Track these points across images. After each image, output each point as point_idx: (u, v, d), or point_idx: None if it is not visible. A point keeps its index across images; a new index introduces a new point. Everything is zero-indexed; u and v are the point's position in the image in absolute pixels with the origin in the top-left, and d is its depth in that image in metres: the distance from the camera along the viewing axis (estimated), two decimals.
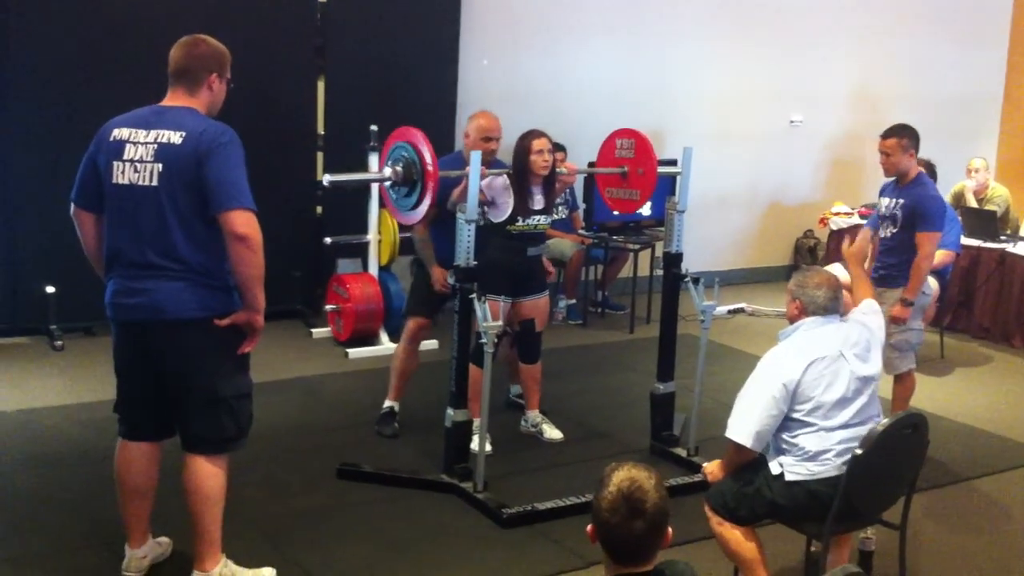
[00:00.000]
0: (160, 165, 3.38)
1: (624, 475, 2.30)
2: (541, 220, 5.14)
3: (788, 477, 3.54)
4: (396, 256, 7.27)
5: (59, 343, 6.67)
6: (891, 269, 5.31)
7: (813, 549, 3.93)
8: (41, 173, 6.70)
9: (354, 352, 6.83)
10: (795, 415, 3.54)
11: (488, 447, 4.83)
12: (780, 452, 3.60)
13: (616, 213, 7.14)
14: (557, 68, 8.53)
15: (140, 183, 3.41)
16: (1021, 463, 5.48)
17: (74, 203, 3.61)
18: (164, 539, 3.95)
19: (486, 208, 4.87)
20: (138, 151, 3.42)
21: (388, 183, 4.61)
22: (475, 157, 4.52)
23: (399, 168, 4.52)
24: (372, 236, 7.12)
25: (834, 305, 3.67)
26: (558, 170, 5.28)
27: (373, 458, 5.00)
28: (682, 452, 5.16)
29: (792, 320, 3.72)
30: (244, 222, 3.35)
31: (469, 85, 8.05)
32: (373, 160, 6.93)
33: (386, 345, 6.89)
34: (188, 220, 3.40)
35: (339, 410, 5.82)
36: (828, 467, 3.51)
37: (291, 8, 7.30)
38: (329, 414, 5.75)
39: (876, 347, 3.74)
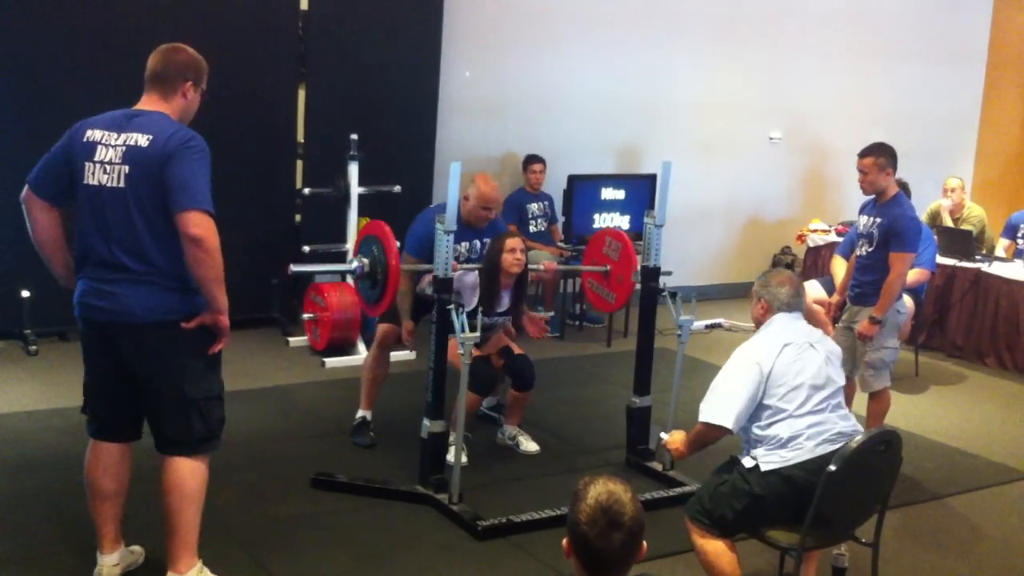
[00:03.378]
0: (127, 167, 3.42)
1: (601, 488, 2.30)
2: (499, 320, 5.22)
3: (763, 467, 3.59)
4: None
5: (33, 347, 6.62)
6: (866, 287, 5.34)
7: (786, 571, 3.94)
8: (15, 177, 6.62)
9: (331, 361, 6.82)
10: (768, 401, 3.62)
11: (464, 458, 4.83)
12: (752, 445, 3.66)
13: (597, 227, 7.20)
14: (539, 79, 8.56)
15: (109, 184, 3.44)
16: (994, 481, 5.52)
17: (29, 186, 3.62)
18: (136, 548, 3.93)
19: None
20: (108, 153, 3.46)
21: (356, 275, 4.68)
22: (454, 168, 4.52)
23: (366, 261, 4.60)
24: (351, 245, 7.11)
25: (797, 302, 3.85)
26: (534, 266, 5.37)
27: (348, 467, 4.99)
28: (658, 466, 5.16)
29: (759, 321, 3.88)
30: (197, 223, 3.35)
31: (450, 95, 8.07)
32: (352, 169, 6.93)
33: (363, 355, 6.86)
34: (154, 222, 3.42)
35: (315, 419, 5.80)
36: (801, 451, 3.58)
37: (273, 16, 7.29)
38: (305, 423, 5.73)
39: (840, 366, 3.88)
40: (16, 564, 3.95)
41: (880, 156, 5.27)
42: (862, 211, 5.51)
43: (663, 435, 4.04)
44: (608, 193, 8.21)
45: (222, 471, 4.43)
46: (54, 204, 3.62)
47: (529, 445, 5.41)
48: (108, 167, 3.45)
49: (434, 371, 4.65)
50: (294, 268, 4.72)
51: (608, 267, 5.38)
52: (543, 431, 5.63)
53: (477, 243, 5.24)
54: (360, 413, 5.46)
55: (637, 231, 7.58)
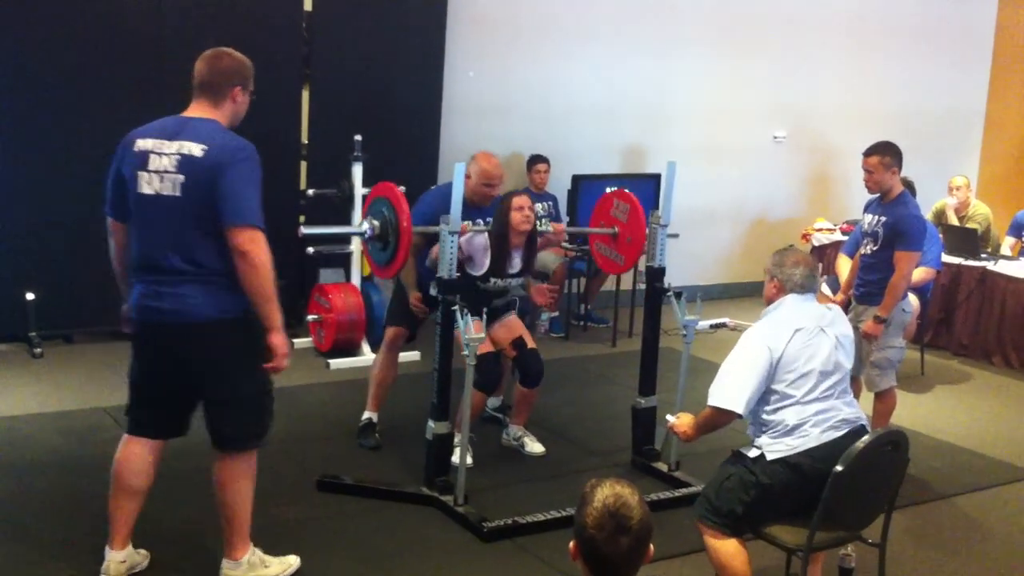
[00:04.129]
0: (183, 176, 3.49)
1: (608, 491, 2.29)
2: (513, 282, 5.17)
3: (769, 456, 3.58)
4: None
5: (38, 350, 6.63)
6: (871, 286, 5.33)
7: (793, 572, 3.93)
8: (21, 180, 6.67)
9: (336, 363, 6.81)
10: (776, 386, 3.61)
11: (469, 460, 4.83)
12: (757, 433, 3.66)
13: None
14: (543, 80, 8.55)
15: (165, 193, 3.52)
16: (1001, 481, 5.51)
17: (110, 215, 3.72)
18: (143, 551, 3.93)
19: (463, 262, 4.87)
20: (162, 162, 3.52)
21: (365, 237, 4.64)
22: (458, 169, 4.53)
23: (376, 223, 4.56)
24: (355, 247, 7.11)
25: (811, 283, 3.83)
26: (543, 229, 5.32)
27: (354, 469, 4.99)
28: (663, 467, 5.16)
29: (770, 300, 3.86)
30: (245, 239, 3.46)
31: (454, 95, 8.06)
32: (356, 170, 6.92)
33: (368, 356, 6.87)
34: (209, 229, 3.50)
35: (320, 421, 5.80)
36: (807, 439, 3.57)
37: (276, 17, 7.28)
38: (310, 425, 5.72)
39: (851, 348, 3.86)
40: (21, 566, 3.95)
41: (886, 155, 5.26)
42: (867, 210, 5.50)
43: (670, 417, 3.97)
44: None
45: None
46: (126, 222, 3.69)
47: (534, 446, 5.40)
48: (164, 176, 3.51)
49: (439, 373, 4.65)
50: (304, 230, 4.72)
51: (616, 229, 5.34)
52: (548, 432, 5.62)
53: (480, 222, 5.15)
54: (367, 415, 5.45)
55: None
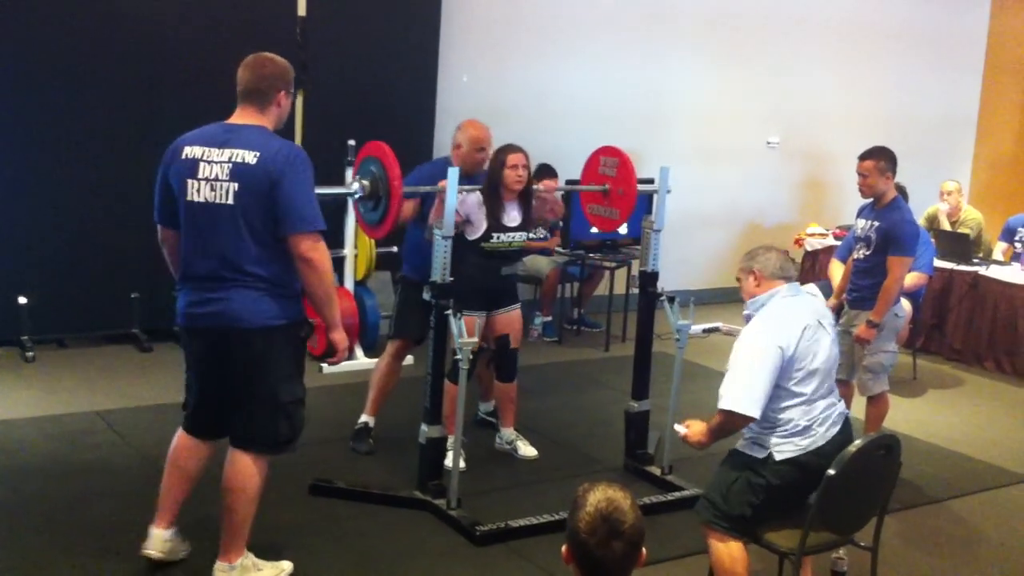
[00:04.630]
0: (236, 184, 3.54)
1: (601, 495, 2.29)
2: (517, 237, 5.07)
3: (778, 456, 3.56)
4: (372, 271, 7.26)
5: (31, 354, 6.61)
6: (864, 291, 5.34)
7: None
8: (14, 183, 6.66)
9: (328, 367, 6.79)
10: (784, 383, 3.57)
11: (462, 464, 4.83)
12: (763, 432, 3.61)
13: (594, 230, 7.19)
14: (538, 85, 8.55)
15: (216, 201, 3.56)
16: (993, 485, 5.52)
17: (159, 223, 3.80)
18: (188, 542, 4.00)
19: (462, 228, 4.86)
20: (213, 170, 3.57)
21: (356, 197, 4.59)
22: (452, 174, 4.50)
23: (366, 183, 4.52)
24: (348, 251, 7.10)
25: (788, 267, 3.79)
26: (535, 187, 5.25)
27: (346, 474, 4.98)
28: (656, 471, 5.16)
29: (752, 295, 3.79)
30: (309, 246, 3.58)
31: (448, 101, 8.06)
32: (350, 175, 6.91)
33: (361, 360, 6.86)
34: (261, 235, 3.58)
35: (312, 425, 5.71)
36: (815, 437, 3.58)
37: (271, 22, 7.27)
38: (302, 429, 5.70)
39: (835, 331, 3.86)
40: (12, 572, 3.93)
41: (881, 159, 5.27)
42: (860, 215, 5.52)
43: (679, 427, 3.83)
44: None
45: (219, 477, 4.42)
46: (177, 229, 3.74)
47: (527, 450, 5.40)
48: (215, 184, 3.56)
49: (432, 377, 4.64)
50: None
51: (607, 185, 5.28)
52: (541, 436, 5.62)
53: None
54: (363, 418, 5.44)
55: (635, 236, 7.59)
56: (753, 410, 3.54)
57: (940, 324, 8.19)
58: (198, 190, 3.58)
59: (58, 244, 6.78)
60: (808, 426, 3.59)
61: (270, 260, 3.60)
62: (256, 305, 3.62)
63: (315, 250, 3.60)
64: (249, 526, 3.83)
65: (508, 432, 5.46)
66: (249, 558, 3.86)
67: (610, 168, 5.27)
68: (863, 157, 5.34)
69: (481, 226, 4.95)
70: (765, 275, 3.76)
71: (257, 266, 3.59)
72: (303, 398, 3.87)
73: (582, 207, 5.63)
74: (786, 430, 3.59)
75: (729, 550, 3.60)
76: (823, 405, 3.62)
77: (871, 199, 5.40)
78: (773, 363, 3.55)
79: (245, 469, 3.76)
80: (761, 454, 3.61)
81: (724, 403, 3.59)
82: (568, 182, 8.15)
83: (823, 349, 3.65)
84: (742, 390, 3.55)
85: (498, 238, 4.98)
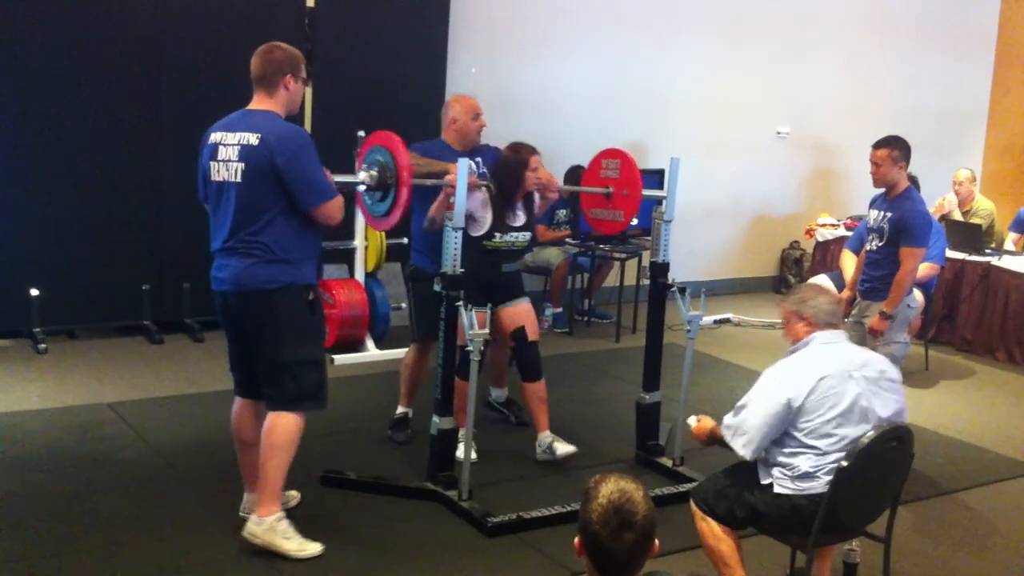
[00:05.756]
0: (243, 164, 3.89)
1: (613, 487, 2.29)
2: (519, 237, 5.06)
3: (776, 489, 3.53)
4: (382, 263, 7.25)
5: (42, 346, 6.63)
6: (876, 282, 5.32)
7: (797, 566, 3.92)
8: (24, 176, 6.67)
9: (339, 358, 6.81)
10: (796, 433, 3.51)
11: (473, 455, 4.82)
12: (772, 466, 3.57)
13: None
14: (545, 76, 8.54)
15: (230, 179, 3.92)
16: (1005, 475, 5.50)
17: (201, 202, 4.16)
18: (294, 492, 4.46)
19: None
20: (227, 152, 3.92)
21: (362, 188, 4.51)
22: (462, 165, 4.49)
23: (374, 173, 4.46)
24: (359, 242, 7.10)
25: (837, 312, 3.74)
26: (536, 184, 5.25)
27: (357, 465, 4.98)
28: (667, 462, 5.15)
29: (798, 339, 3.69)
30: (330, 213, 3.99)
31: (457, 91, 8.00)
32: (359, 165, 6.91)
33: (372, 352, 6.87)
34: (266, 208, 3.90)
35: (323, 416, 5.74)
36: (816, 484, 3.49)
37: (279, 13, 7.27)
38: (313, 420, 5.64)
39: (892, 387, 3.68)
40: (21, 562, 3.94)
41: (895, 148, 5.24)
42: (872, 205, 5.49)
43: (692, 419, 3.90)
44: None
45: (229, 468, 4.45)
46: None
47: (564, 448, 5.15)
48: (229, 164, 3.91)
49: (443, 368, 4.64)
50: None
51: (610, 188, 5.24)
52: (552, 428, 5.57)
53: (472, 165, 4.87)
54: (401, 409, 5.44)
55: (645, 227, 7.57)
56: (746, 453, 3.55)
57: (952, 315, 8.16)
58: (217, 171, 3.94)
59: (69, 236, 6.79)
60: (812, 473, 3.50)
61: (274, 230, 3.91)
62: (254, 270, 3.92)
63: (335, 214, 4.01)
64: (276, 484, 4.02)
65: (544, 436, 5.20)
66: (283, 522, 4.04)
67: (612, 170, 5.25)
68: (877, 146, 5.31)
69: (485, 224, 4.93)
70: (819, 322, 3.66)
71: (259, 235, 3.91)
72: (314, 360, 4.11)
73: (585, 213, 5.59)
74: (789, 474, 3.53)
75: (712, 529, 3.61)
76: (836, 457, 3.47)
77: (883, 189, 5.37)
78: (776, 411, 3.49)
79: (270, 422, 4.02)
80: (765, 479, 3.57)
81: (725, 432, 3.62)
82: (574, 167, 8.13)
83: (843, 402, 3.49)
84: (742, 431, 3.55)
85: (501, 237, 4.97)
